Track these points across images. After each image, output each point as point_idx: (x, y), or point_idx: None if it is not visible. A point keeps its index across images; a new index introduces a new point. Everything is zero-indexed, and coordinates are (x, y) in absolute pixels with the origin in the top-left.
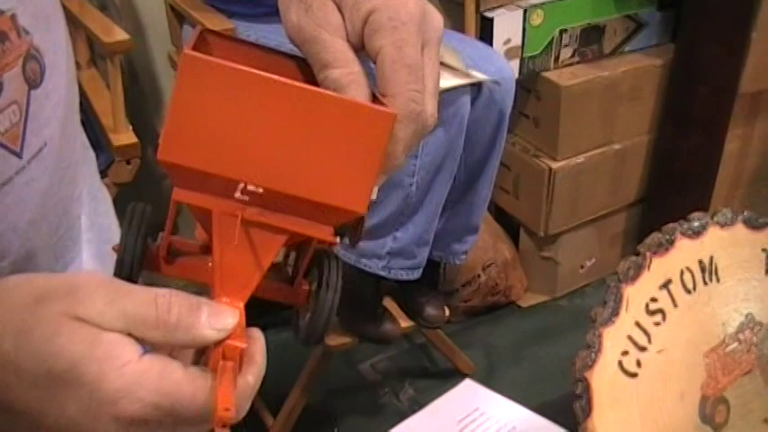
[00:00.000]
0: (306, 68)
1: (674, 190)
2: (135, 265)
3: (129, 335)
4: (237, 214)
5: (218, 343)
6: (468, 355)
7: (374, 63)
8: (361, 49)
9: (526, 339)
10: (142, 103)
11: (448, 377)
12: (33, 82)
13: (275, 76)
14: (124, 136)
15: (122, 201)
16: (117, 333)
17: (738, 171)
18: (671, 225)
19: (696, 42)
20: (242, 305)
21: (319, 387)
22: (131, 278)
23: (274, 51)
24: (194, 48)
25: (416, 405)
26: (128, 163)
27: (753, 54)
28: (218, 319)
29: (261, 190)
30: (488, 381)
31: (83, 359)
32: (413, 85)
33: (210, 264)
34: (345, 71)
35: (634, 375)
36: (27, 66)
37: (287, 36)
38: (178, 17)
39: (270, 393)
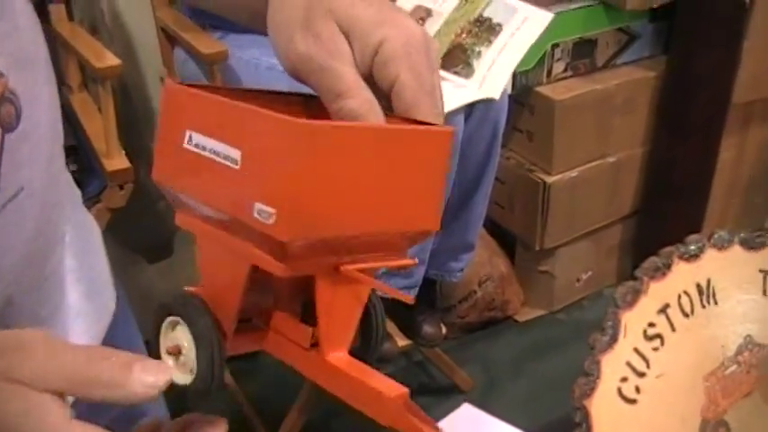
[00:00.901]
0: (287, 102)
1: (670, 201)
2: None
3: (63, 395)
4: (343, 270)
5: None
6: (467, 371)
7: (386, 90)
8: (369, 77)
9: (524, 354)
10: (135, 126)
11: (447, 394)
12: (8, 125)
13: (365, 124)
14: (117, 161)
15: (116, 224)
16: (49, 395)
17: (733, 180)
18: (667, 249)
19: (689, 53)
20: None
21: (318, 406)
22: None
23: (243, 91)
24: None
25: None
26: (121, 188)
27: (745, 64)
28: (150, 375)
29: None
30: (487, 397)
31: (17, 422)
32: (436, 110)
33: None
34: (361, 100)
35: (633, 402)
36: (1, 109)
37: (287, 67)
38: (169, 39)
39: (268, 413)
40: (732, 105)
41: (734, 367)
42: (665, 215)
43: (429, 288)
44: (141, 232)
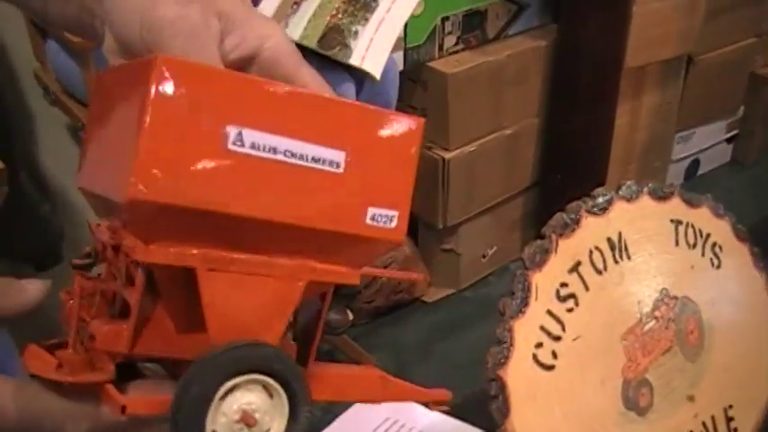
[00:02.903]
0: None
1: (568, 170)
2: None
3: None
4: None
5: None
6: (377, 356)
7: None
8: (243, 65)
9: (434, 335)
10: (9, 125)
11: None
12: None
13: None
14: None
15: None
16: None
17: (630, 146)
18: (575, 203)
19: (578, 21)
20: None
21: None
22: None
23: None
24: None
25: (328, 414)
26: None
27: (634, 29)
28: None
29: None
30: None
31: None
32: None
33: None
34: None
35: (551, 368)
36: None
37: (145, 39)
38: (41, 32)
39: None
40: (624, 71)
41: (652, 323)
42: (565, 185)
43: None
44: (23, 239)
